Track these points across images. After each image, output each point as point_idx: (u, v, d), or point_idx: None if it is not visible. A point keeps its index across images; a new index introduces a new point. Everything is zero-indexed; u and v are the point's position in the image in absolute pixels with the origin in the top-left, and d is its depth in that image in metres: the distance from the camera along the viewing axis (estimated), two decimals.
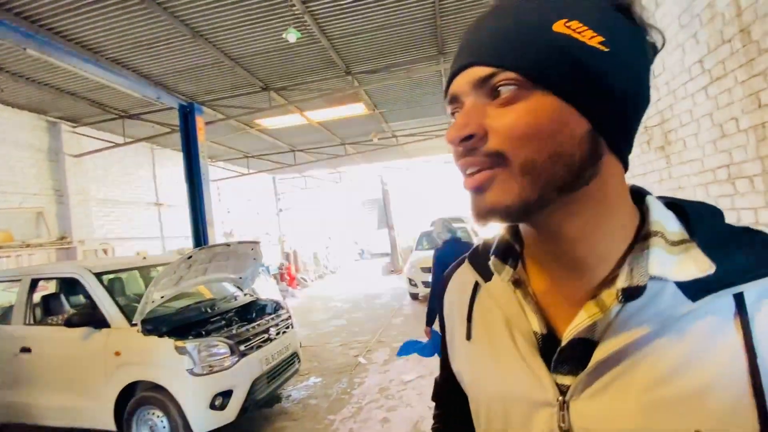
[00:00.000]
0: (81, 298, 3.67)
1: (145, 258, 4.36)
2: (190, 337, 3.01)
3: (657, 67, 3.03)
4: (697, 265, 0.35)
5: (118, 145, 7.18)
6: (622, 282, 0.36)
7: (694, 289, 0.34)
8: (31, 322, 3.40)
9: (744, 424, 0.32)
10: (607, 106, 0.35)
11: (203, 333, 3.17)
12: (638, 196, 0.42)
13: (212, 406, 2.85)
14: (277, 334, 3.61)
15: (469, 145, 0.36)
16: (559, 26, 0.34)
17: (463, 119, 0.36)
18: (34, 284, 3.51)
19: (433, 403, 0.64)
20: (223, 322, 3.47)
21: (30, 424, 3.24)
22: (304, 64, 5.43)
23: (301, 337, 5.05)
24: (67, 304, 3.78)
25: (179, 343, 2.89)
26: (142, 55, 4.82)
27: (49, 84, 5.39)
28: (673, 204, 0.41)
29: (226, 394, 2.92)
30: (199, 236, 5.54)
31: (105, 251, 7.15)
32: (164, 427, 2.88)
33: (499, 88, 0.35)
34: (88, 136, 7.04)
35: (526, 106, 0.35)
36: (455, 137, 0.36)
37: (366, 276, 13.43)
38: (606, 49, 0.34)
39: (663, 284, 0.35)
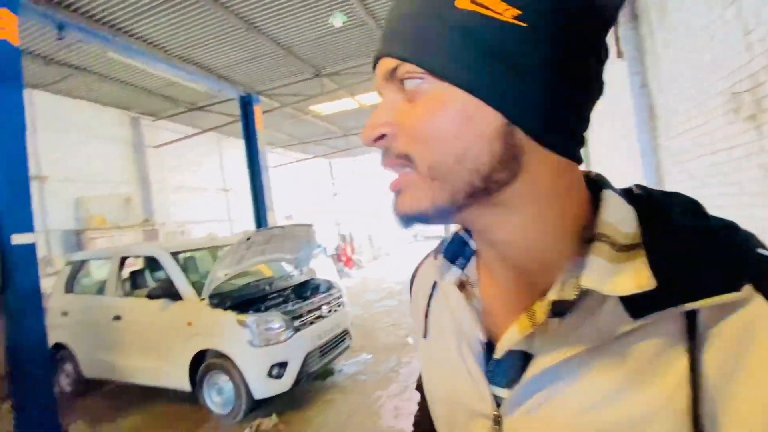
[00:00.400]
0: (160, 274, 4.14)
1: (213, 239, 4.78)
2: (250, 312, 3.28)
3: (750, 22, 2.62)
4: (636, 278, 0.29)
5: (188, 135, 7.84)
6: (553, 294, 0.32)
7: (638, 306, 0.29)
8: (121, 294, 3.91)
9: None
10: (526, 94, 0.29)
11: (262, 308, 3.44)
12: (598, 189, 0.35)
13: (270, 375, 3.11)
14: (329, 312, 3.80)
15: (382, 145, 0.33)
16: (463, 1, 0.29)
17: (374, 118, 0.33)
18: (122, 261, 4.03)
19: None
20: (280, 299, 3.72)
21: (122, 381, 3.79)
22: (353, 47, 5.47)
23: (353, 315, 5.26)
24: (150, 278, 4.28)
25: (240, 317, 3.17)
26: (203, 50, 5.17)
27: (129, 83, 6.00)
28: (644, 198, 0.34)
29: (282, 365, 3.16)
30: (260, 219, 5.92)
31: (182, 232, 7.94)
32: (229, 391, 3.20)
33: (404, 82, 0.32)
34: (164, 128, 7.77)
35: (428, 102, 0.31)
36: (367, 138, 0.33)
37: (419, 258, 13.46)
38: (523, 24, 0.28)
39: (604, 297, 0.30)
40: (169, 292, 3.48)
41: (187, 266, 3.96)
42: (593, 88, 0.32)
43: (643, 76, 4.08)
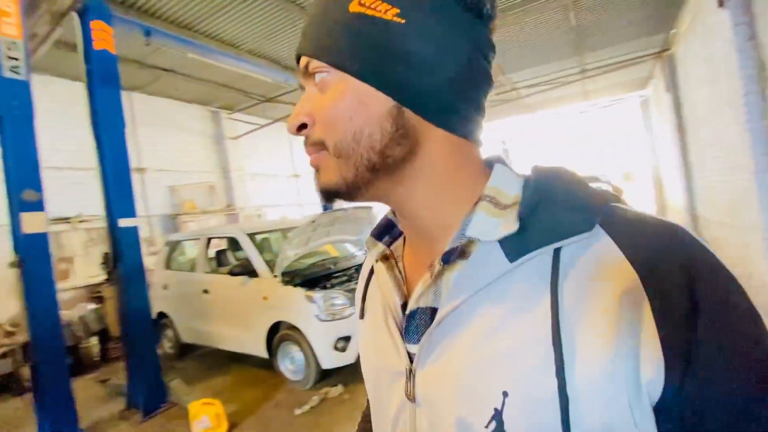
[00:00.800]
0: (240, 253, 4.56)
1: (285, 221, 5.12)
2: (317, 289, 3.49)
3: None
4: (506, 224, 0.35)
5: (261, 126, 8.38)
6: (447, 246, 0.37)
7: (514, 251, 0.34)
8: (208, 270, 4.39)
9: (544, 386, 0.30)
10: (411, 80, 0.35)
11: (328, 285, 3.64)
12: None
13: (335, 348, 3.30)
14: None
15: (304, 133, 0.38)
16: (354, 5, 0.35)
17: (297, 109, 0.38)
18: (208, 242, 4.50)
19: None
20: (344, 278, 3.90)
21: (210, 346, 4.29)
22: None
23: None
24: (232, 257, 4.74)
25: (309, 294, 3.39)
26: (270, 43, 5.43)
27: (207, 79, 6.55)
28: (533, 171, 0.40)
29: (346, 339, 3.33)
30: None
31: (259, 216, 8.61)
32: (300, 360, 3.47)
33: (315, 76, 0.37)
34: (240, 120, 8.40)
35: (333, 90, 0.36)
36: (291, 127, 0.38)
37: None
38: (402, 21, 0.34)
39: (489, 247, 0.35)
40: (247, 269, 3.83)
41: (262, 246, 4.30)
42: (477, 78, 0.37)
43: (750, 27, 3.41)
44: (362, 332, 0.50)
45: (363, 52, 0.35)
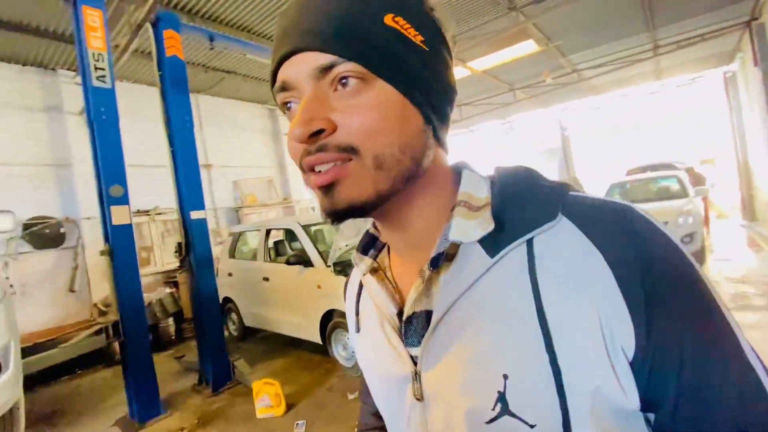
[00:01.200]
0: (297, 244, 4.78)
1: None
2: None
3: None
4: (482, 225, 0.38)
5: None
6: (432, 252, 0.40)
7: (492, 247, 0.37)
8: (268, 259, 4.66)
9: (538, 362, 0.33)
10: (431, 101, 0.37)
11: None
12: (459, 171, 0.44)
13: None
14: None
15: (318, 140, 0.34)
16: (389, 20, 0.35)
17: (308, 113, 0.34)
18: (268, 233, 4.78)
19: None
20: None
21: (270, 330, 4.57)
22: (463, 8, 5.20)
23: None
24: (288, 247, 4.99)
25: None
26: None
27: (263, 79, 6.87)
28: (495, 173, 0.43)
29: None
30: None
31: (313, 208, 8.95)
32: (352, 348, 3.58)
33: (345, 80, 0.34)
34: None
35: (372, 98, 0.34)
36: (304, 133, 0.34)
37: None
38: (426, 48, 0.36)
39: (471, 247, 0.38)
40: (302, 259, 4.02)
41: (316, 237, 4.48)
42: (453, 94, 0.41)
43: None
44: (360, 346, 0.52)
45: (402, 67, 0.35)
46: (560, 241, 0.35)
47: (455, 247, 0.39)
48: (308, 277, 3.92)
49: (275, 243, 4.94)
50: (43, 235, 5.20)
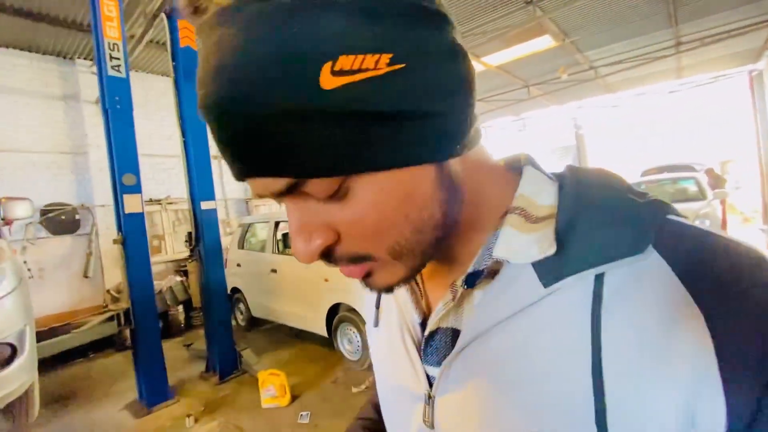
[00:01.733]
0: None
1: None
2: None
3: None
4: (540, 243, 0.30)
5: None
6: (470, 267, 0.33)
7: (549, 274, 0.29)
8: (276, 251, 4.70)
9: (583, 424, 0.27)
10: (437, 128, 0.27)
11: None
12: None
13: None
14: None
15: (325, 252, 0.30)
16: (327, 80, 0.23)
17: (301, 231, 0.29)
18: (276, 225, 4.81)
19: None
20: None
21: (276, 321, 4.61)
22: (479, 2, 5.12)
23: None
24: None
25: None
26: None
27: None
28: (568, 175, 0.34)
29: None
30: None
31: None
32: (358, 341, 3.61)
33: (312, 192, 0.27)
34: None
35: (362, 198, 0.27)
36: (310, 255, 0.29)
37: None
38: (401, 66, 0.25)
39: (520, 268, 0.31)
40: None
41: None
42: (472, 80, 0.30)
43: None
44: (376, 342, 0.47)
45: (380, 135, 0.25)
46: (643, 284, 0.27)
47: (499, 263, 0.32)
48: (315, 269, 3.94)
49: (284, 235, 4.97)
50: (60, 221, 5.33)
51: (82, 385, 3.91)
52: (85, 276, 5.52)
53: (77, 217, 5.48)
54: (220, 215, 4.73)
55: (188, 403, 3.31)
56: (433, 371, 0.36)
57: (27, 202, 2.78)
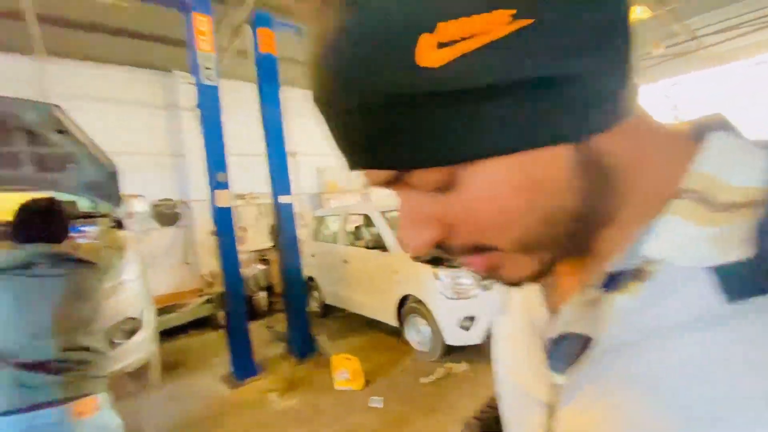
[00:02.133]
0: (374, 229, 4.96)
1: None
2: (444, 267, 3.58)
3: None
4: (724, 240, 0.22)
5: None
6: (610, 265, 0.26)
7: (736, 285, 0.21)
8: (347, 243, 4.90)
9: None
10: (569, 100, 0.22)
11: (455, 264, 3.69)
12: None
13: (461, 326, 3.36)
14: None
15: (439, 245, 0.27)
16: (424, 55, 0.20)
17: (412, 223, 0.27)
18: (347, 218, 5.01)
19: None
20: None
21: (347, 310, 4.84)
22: None
23: None
24: (367, 232, 5.19)
25: (436, 271, 3.50)
26: None
27: None
28: None
29: (471, 319, 3.35)
30: None
31: (389, 194, 9.14)
32: (426, 332, 3.65)
33: (416, 184, 0.25)
34: None
35: (478, 188, 0.24)
36: (421, 248, 0.27)
37: None
38: (528, 22, 0.20)
39: (689, 270, 0.23)
40: (379, 244, 4.16)
41: (393, 223, 4.59)
42: (628, 16, 0.22)
43: None
44: (500, 332, 0.42)
45: (498, 117, 0.21)
46: None
47: (652, 263, 0.25)
48: (385, 261, 4.05)
49: (355, 227, 5.16)
50: (165, 214, 6.15)
51: (184, 358, 4.47)
52: (186, 263, 6.29)
53: (178, 210, 6.26)
54: (295, 209, 5.07)
55: (272, 379, 3.63)
56: (558, 378, 0.31)
57: (143, 199, 3.26)
